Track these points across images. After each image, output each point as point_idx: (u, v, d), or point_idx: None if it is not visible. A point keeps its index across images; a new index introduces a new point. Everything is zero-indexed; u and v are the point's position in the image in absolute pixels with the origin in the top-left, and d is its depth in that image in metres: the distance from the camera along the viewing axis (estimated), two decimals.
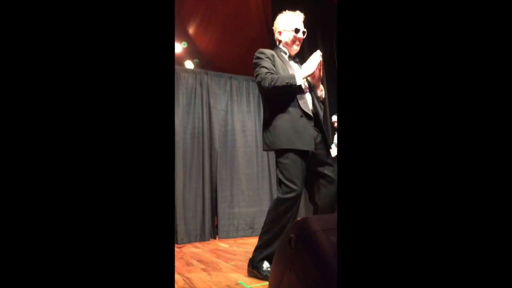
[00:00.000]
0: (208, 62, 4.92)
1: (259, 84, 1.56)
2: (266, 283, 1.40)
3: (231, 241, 3.01)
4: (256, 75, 1.58)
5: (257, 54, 1.63)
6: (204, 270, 1.78)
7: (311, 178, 1.62)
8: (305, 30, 1.67)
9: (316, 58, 1.52)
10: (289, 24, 1.64)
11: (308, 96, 1.61)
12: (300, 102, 1.55)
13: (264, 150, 1.62)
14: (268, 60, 1.60)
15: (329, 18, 3.65)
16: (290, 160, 1.48)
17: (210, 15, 4.42)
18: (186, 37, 4.79)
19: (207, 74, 3.50)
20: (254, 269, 1.51)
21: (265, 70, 1.55)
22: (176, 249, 2.68)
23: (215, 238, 3.21)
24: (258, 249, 1.54)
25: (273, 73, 1.55)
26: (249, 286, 1.38)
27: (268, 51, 1.63)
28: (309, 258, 0.60)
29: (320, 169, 1.59)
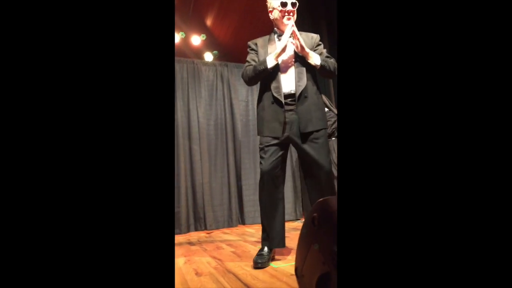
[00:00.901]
0: (227, 53, 4.99)
1: (242, 78, 1.67)
2: (293, 262, 1.50)
3: (257, 226, 3.14)
4: (244, 65, 1.68)
5: (248, 48, 1.71)
6: (233, 253, 1.90)
7: (301, 166, 1.69)
8: (294, 1, 1.57)
9: (288, 29, 1.50)
10: (275, 1, 1.60)
11: (286, 77, 1.56)
12: (272, 87, 1.55)
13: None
14: (252, 52, 1.67)
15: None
16: (262, 145, 1.59)
17: (226, 6, 4.45)
18: (204, 29, 4.86)
19: (226, 66, 3.57)
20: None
21: (246, 64, 1.65)
22: (206, 234, 2.84)
23: (243, 224, 3.34)
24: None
25: (252, 64, 1.61)
26: (277, 265, 1.48)
27: (253, 41, 1.69)
28: (330, 234, 0.68)
29: (300, 154, 1.60)
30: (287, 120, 1.55)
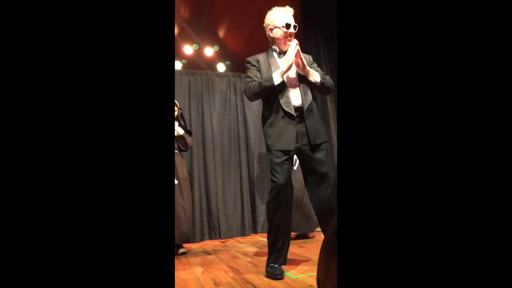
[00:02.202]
0: (238, 64, 5.07)
1: (244, 93, 1.68)
2: (313, 273, 1.51)
3: None
4: (245, 80, 1.68)
5: (246, 64, 1.71)
6: (250, 262, 1.92)
7: (306, 178, 1.66)
8: (296, 24, 1.64)
9: (292, 49, 1.53)
10: (279, 20, 1.63)
11: (294, 92, 1.61)
12: (281, 102, 1.58)
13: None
14: (253, 68, 1.67)
15: None
16: (273, 157, 1.58)
17: (239, 17, 4.55)
18: (217, 41, 4.96)
19: (239, 77, 3.64)
20: (267, 267, 1.57)
21: (248, 80, 1.65)
22: (220, 243, 2.86)
23: (255, 233, 3.35)
24: (268, 246, 1.62)
25: (255, 80, 1.61)
26: (294, 276, 1.49)
27: (254, 58, 1.69)
28: None
29: (310, 165, 1.61)
30: (298, 132, 1.59)
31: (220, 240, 3.10)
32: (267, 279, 1.48)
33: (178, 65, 4.68)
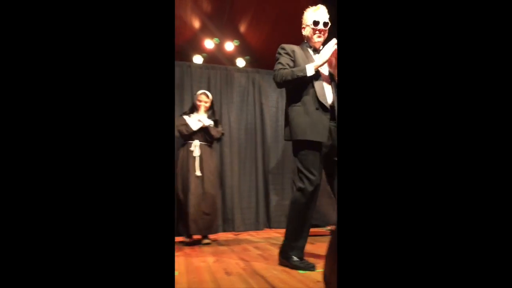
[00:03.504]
0: (258, 59, 5.08)
1: (273, 79, 1.65)
2: (321, 270, 1.53)
3: (282, 231, 3.17)
4: (275, 67, 1.67)
5: (278, 50, 1.71)
6: (260, 255, 1.96)
7: (331, 172, 1.67)
8: (327, 21, 1.67)
9: (330, 46, 1.55)
10: (308, 18, 1.69)
11: (328, 88, 1.64)
12: (318, 93, 1.59)
13: (285, 140, 1.69)
14: (286, 56, 1.66)
15: None
16: (306, 151, 1.56)
17: (261, 12, 4.55)
18: (237, 35, 4.99)
19: (258, 73, 3.66)
20: (284, 259, 1.62)
21: (279, 66, 1.64)
22: (233, 236, 2.93)
23: (269, 228, 3.40)
24: (286, 241, 1.63)
25: (286, 68, 1.61)
26: (303, 271, 1.52)
27: (289, 47, 1.69)
28: None
29: (334, 169, 1.65)
30: (330, 127, 1.60)
31: (233, 232, 3.16)
32: (276, 272, 1.52)
33: (199, 59, 4.75)
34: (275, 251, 2.07)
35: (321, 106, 1.58)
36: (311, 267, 1.52)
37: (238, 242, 2.56)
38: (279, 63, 1.66)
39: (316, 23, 1.66)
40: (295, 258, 1.58)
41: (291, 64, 1.66)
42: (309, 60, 1.66)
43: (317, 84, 1.60)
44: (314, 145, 1.56)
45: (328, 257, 0.91)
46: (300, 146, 1.59)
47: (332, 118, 1.61)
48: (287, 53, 1.68)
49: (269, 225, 3.42)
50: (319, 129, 1.55)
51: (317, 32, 1.67)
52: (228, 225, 3.22)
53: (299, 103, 1.61)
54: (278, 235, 2.91)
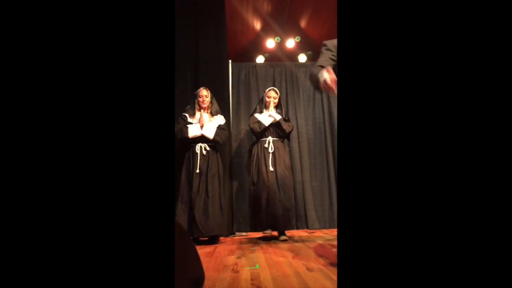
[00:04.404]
0: (319, 52, 4.96)
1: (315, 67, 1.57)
2: None
3: None
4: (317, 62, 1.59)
5: (322, 46, 1.64)
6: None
7: None
8: None
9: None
10: None
11: None
12: None
13: None
14: (328, 52, 1.59)
15: None
16: None
17: (320, 6, 4.43)
18: (298, 32, 4.93)
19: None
20: None
21: (317, 64, 1.57)
22: (307, 234, 2.88)
23: None
24: None
25: (320, 66, 1.54)
26: None
27: (330, 42, 1.61)
28: None
29: None
30: None
31: (307, 230, 3.12)
32: None
33: (261, 59, 4.82)
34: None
35: None
36: None
37: (313, 239, 2.51)
38: (322, 55, 1.60)
39: None
40: None
41: (334, 59, 1.56)
42: None
43: None
44: None
45: None
46: None
47: None
48: (328, 49, 1.60)
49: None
50: None
51: None
52: (302, 223, 3.18)
53: None
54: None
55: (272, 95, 2.67)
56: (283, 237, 2.47)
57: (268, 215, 2.43)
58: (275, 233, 2.60)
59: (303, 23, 4.90)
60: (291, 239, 2.55)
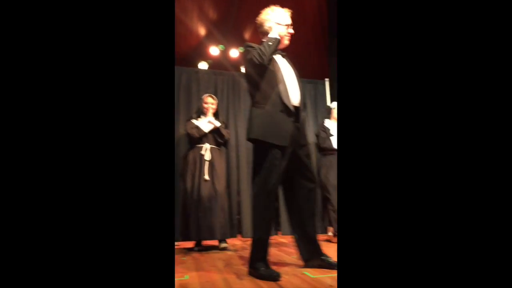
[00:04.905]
0: None
1: (250, 63, 1.56)
2: (332, 275, 1.52)
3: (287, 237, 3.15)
4: (248, 60, 1.57)
5: (244, 48, 1.65)
6: (270, 261, 1.94)
7: (290, 176, 1.63)
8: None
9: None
10: (283, 19, 1.68)
11: (293, 87, 1.60)
12: (282, 95, 1.53)
13: (246, 139, 1.61)
14: (255, 48, 1.59)
15: None
16: (265, 153, 1.49)
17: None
18: (243, 43, 5.03)
19: None
20: (251, 269, 1.52)
21: (254, 51, 1.55)
22: (241, 242, 2.90)
23: (279, 231, 3.37)
24: (253, 248, 1.53)
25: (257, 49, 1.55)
26: (314, 276, 1.51)
27: (255, 44, 1.63)
28: None
29: (299, 167, 1.62)
30: (293, 131, 1.57)
31: (240, 238, 3.14)
32: (288, 277, 1.50)
33: (204, 66, 4.79)
34: (286, 257, 2.05)
35: (285, 108, 1.53)
36: (276, 276, 1.42)
37: (246, 248, 2.54)
38: (251, 52, 1.57)
39: (290, 25, 1.69)
40: (261, 270, 1.48)
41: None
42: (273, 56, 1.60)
43: (281, 85, 1.55)
44: (276, 148, 1.50)
45: None
46: (259, 148, 1.53)
47: (296, 120, 1.59)
48: (254, 48, 1.60)
49: (279, 229, 3.40)
50: (281, 132, 1.51)
51: (288, 34, 1.69)
52: (235, 231, 3.20)
53: (263, 104, 1.54)
54: (285, 241, 2.89)
55: (210, 101, 2.65)
56: (223, 245, 2.43)
57: (202, 224, 2.39)
58: (212, 242, 2.56)
59: (247, 35, 5.02)
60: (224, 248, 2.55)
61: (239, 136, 3.39)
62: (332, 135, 2.85)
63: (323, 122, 2.96)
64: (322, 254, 1.65)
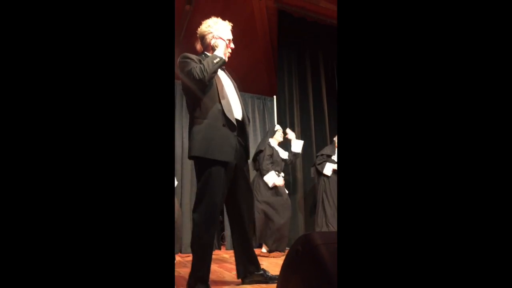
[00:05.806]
0: None
1: (188, 76, 1.46)
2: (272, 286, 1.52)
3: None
4: (187, 72, 1.47)
5: (181, 59, 1.53)
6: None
7: (233, 191, 1.60)
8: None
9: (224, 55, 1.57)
10: (225, 33, 1.63)
11: (235, 101, 1.59)
12: (224, 109, 1.50)
13: (188, 158, 1.52)
14: (195, 59, 1.53)
15: (331, 44, 3.88)
16: (209, 170, 1.43)
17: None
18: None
19: None
20: None
21: (193, 64, 1.47)
22: (180, 259, 2.79)
23: (219, 249, 3.31)
24: (192, 270, 1.45)
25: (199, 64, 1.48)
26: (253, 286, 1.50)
27: (194, 56, 1.56)
28: (312, 266, 0.75)
29: (242, 182, 1.62)
30: (236, 146, 1.55)
31: (179, 254, 3.01)
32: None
33: None
34: (226, 273, 2.01)
35: (228, 122, 1.50)
36: None
37: (184, 264, 2.45)
38: (191, 63, 1.48)
39: (231, 40, 1.66)
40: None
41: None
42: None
43: (223, 100, 1.52)
44: (218, 165, 1.45)
45: (281, 280, 0.91)
46: (202, 165, 1.46)
47: (239, 135, 1.58)
48: (193, 61, 1.51)
49: (218, 246, 3.34)
50: (224, 147, 1.46)
51: (229, 48, 1.64)
52: (175, 247, 3.07)
53: (203, 119, 1.48)
54: (227, 256, 2.85)
55: None
56: None
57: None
58: None
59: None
60: None
61: (184, 148, 3.31)
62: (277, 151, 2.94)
63: (269, 142, 3.03)
64: (261, 269, 1.66)
